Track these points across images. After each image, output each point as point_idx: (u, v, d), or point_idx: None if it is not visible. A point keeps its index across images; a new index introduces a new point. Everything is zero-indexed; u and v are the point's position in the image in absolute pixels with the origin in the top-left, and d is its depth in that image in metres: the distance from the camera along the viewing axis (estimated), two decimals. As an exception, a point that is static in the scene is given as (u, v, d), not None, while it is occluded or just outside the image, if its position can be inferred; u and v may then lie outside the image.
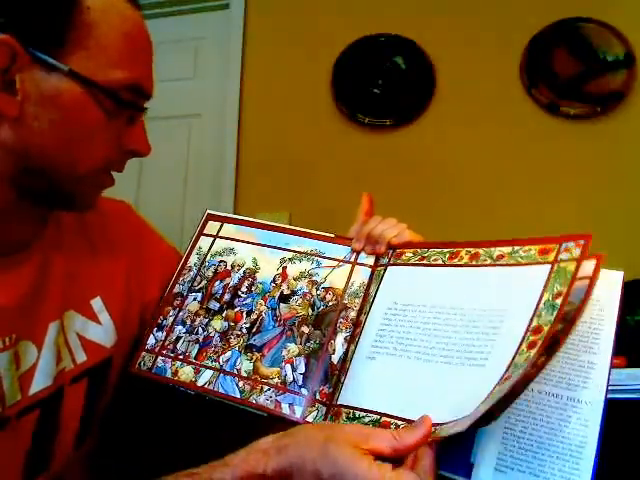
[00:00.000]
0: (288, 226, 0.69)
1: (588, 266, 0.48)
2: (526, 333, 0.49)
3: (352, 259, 0.64)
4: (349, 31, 1.96)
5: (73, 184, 0.52)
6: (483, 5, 1.87)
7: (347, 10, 1.99)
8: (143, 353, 0.62)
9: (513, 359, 0.47)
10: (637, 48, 1.71)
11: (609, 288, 0.51)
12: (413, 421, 0.47)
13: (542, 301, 0.50)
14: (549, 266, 0.52)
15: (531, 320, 0.50)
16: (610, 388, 0.46)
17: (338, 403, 0.55)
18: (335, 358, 0.58)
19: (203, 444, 0.56)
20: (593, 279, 0.46)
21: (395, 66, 1.92)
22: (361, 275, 0.63)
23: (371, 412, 0.52)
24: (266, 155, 2.00)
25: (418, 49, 1.89)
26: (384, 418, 0.51)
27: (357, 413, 0.53)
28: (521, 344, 0.48)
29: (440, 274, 0.59)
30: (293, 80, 2.01)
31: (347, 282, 0.62)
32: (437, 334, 0.54)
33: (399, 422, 0.50)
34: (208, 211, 0.73)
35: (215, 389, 0.57)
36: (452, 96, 1.86)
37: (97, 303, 0.61)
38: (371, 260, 0.64)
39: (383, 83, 1.92)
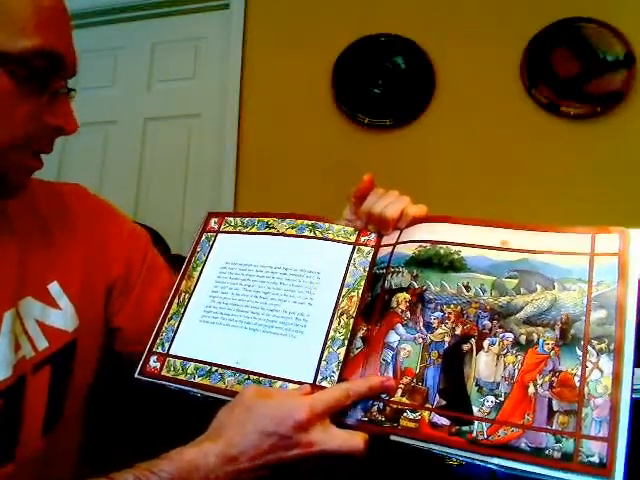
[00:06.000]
0: (285, 213, 0.69)
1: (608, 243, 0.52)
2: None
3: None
4: (349, 31, 1.95)
5: None
6: (483, 5, 1.87)
7: (347, 10, 1.99)
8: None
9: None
10: (637, 48, 1.71)
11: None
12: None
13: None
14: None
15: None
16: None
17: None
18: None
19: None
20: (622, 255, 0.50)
21: (395, 66, 1.92)
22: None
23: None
24: (266, 155, 2.00)
25: (418, 49, 1.89)
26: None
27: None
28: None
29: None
30: (293, 80, 2.01)
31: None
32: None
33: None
34: (209, 211, 0.74)
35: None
36: (452, 96, 1.86)
37: (54, 288, 0.60)
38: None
39: (383, 83, 1.92)
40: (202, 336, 0.61)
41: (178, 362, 0.60)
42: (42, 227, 0.62)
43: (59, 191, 0.66)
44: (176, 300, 0.65)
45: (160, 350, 0.61)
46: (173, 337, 0.62)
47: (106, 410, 0.71)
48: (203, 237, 0.70)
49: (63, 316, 0.59)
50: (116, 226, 0.70)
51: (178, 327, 0.62)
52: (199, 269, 0.66)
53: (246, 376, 0.56)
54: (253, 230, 0.68)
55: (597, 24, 1.74)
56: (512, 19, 1.83)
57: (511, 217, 0.55)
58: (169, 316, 0.64)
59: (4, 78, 0.48)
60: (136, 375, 0.61)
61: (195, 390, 0.57)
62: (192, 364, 0.59)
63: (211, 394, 0.56)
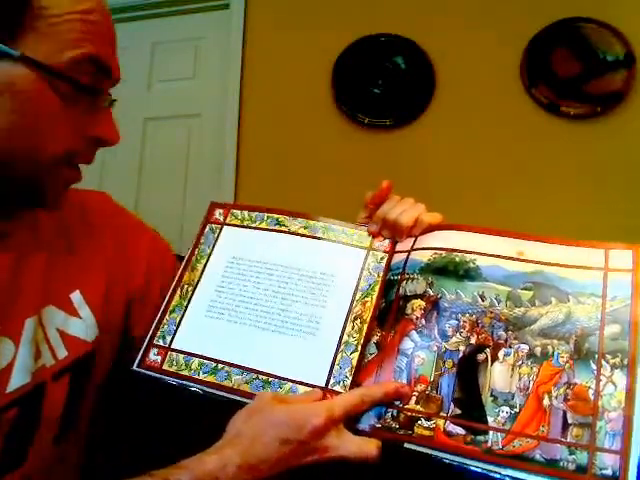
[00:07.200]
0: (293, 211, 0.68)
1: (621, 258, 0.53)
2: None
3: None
4: (349, 31, 1.96)
5: (35, 178, 0.50)
6: (483, 5, 1.87)
7: (347, 10, 1.99)
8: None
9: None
10: (637, 48, 1.71)
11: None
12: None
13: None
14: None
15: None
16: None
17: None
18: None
19: (197, 443, 0.55)
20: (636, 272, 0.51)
21: (395, 66, 1.92)
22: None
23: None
24: (266, 155, 2.00)
25: (418, 49, 1.89)
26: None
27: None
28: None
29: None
30: (293, 80, 2.01)
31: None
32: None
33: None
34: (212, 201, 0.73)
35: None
36: (452, 96, 1.86)
37: (76, 297, 0.59)
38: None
39: (383, 83, 1.92)
40: (207, 331, 0.59)
41: (181, 357, 0.58)
42: (66, 236, 0.61)
43: (84, 199, 0.66)
44: (178, 292, 0.63)
45: (161, 343, 0.60)
46: (175, 330, 0.60)
47: (107, 410, 0.70)
48: (207, 228, 0.68)
49: (84, 325, 0.59)
50: (137, 236, 0.70)
51: (181, 320, 0.61)
52: (203, 261, 0.65)
53: (254, 375, 0.55)
54: (262, 226, 0.66)
55: (597, 24, 1.74)
56: (512, 19, 1.83)
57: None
58: (171, 308, 0.62)
59: (48, 93, 0.46)
60: (134, 367, 0.59)
61: (200, 387, 0.56)
62: (196, 360, 0.57)
63: (217, 392, 0.55)
